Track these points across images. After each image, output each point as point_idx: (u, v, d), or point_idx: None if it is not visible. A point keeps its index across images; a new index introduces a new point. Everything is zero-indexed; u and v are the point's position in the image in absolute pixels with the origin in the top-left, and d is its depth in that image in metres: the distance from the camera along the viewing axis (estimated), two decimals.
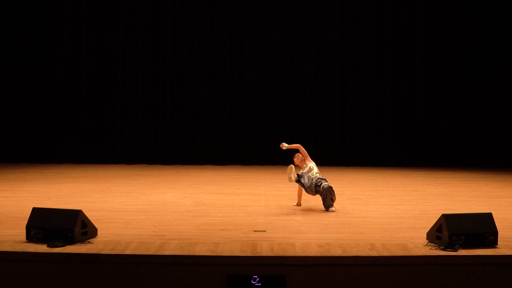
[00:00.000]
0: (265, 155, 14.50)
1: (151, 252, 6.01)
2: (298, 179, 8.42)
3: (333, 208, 8.50)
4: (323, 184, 8.46)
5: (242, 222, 7.70)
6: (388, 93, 14.82)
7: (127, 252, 6.01)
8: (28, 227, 6.39)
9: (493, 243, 6.32)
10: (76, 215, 6.37)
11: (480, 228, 6.35)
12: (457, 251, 6.08)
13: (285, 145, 8.95)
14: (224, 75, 14.81)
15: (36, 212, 6.52)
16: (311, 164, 8.87)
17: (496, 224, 6.45)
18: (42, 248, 6.09)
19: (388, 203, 9.29)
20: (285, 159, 14.67)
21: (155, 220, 7.71)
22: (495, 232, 6.37)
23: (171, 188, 10.84)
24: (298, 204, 8.88)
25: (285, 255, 5.97)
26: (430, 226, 6.51)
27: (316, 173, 8.70)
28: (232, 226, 7.40)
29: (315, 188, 8.51)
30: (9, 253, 5.99)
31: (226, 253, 6.00)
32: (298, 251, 6.08)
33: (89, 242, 6.33)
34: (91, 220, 6.56)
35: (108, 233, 6.77)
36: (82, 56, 14.72)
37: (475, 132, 14.64)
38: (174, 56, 14.77)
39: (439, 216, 6.40)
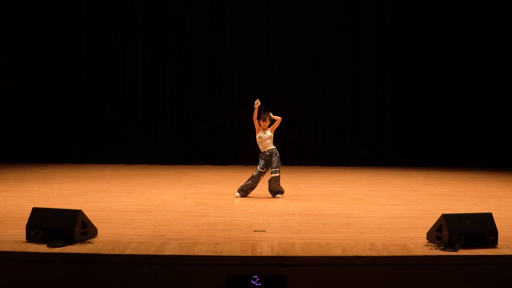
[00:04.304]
0: None
1: (151, 252, 6.01)
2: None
3: (279, 195, 9.57)
4: (272, 174, 9.57)
5: (242, 222, 7.70)
6: (388, 93, 14.82)
7: (127, 252, 6.01)
8: (28, 227, 6.39)
9: (493, 243, 6.31)
10: (76, 215, 6.36)
11: (480, 228, 6.35)
12: (457, 251, 6.08)
13: (258, 103, 9.65)
14: (224, 75, 14.82)
15: (36, 212, 6.52)
16: (269, 137, 9.60)
17: (496, 224, 6.45)
18: (42, 248, 6.08)
19: (388, 203, 9.29)
20: (286, 160, 14.69)
21: (155, 220, 7.71)
22: (495, 232, 6.37)
23: (171, 188, 10.84)
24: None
25: (285, 255, 5.97)
26: (430, 226, 6.51)
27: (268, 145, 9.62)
28: (232, 226, 7.40)
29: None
30: (9, 253, 5.99)
31: (226, 253, 5.99)
32: (298, 251, 6.08)
33: (89, 242, 6.33)
34: (91, 220, 6.56)
35: (108, 233, 6.77)
36: (82, 55, 14.72)
37: (475, 132, 14.64)
38: (174, 56, 14.78)
39: (439, 216, 6.40)
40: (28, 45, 14.67)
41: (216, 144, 14.77)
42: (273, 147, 9.63)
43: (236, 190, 9.73)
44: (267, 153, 9.59)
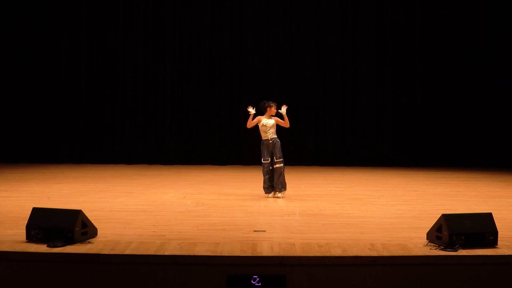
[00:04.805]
0: None
1: (151, 252, 6.00)
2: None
3: (279, 195, 9.42)
4: (276, 165, 9.46)
5: (242, 222, 7.70)
6: (388, 93, 14.82)
7: (127, 252, 6.01)
8: (28, 227, 6.39)
9: (493, 243, 6.32)
10: (76, 215, 6.36)
11: (480, 228, 6.35)
12: (457, 251, 6.08)
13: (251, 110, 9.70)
14: (224, 75, 14.81)
15: (36, 212, 6.52)
16: (273, 125, 9.55)
17: (496, 224, 6.45)
18: (42, 248, 6.08)
19: (388, 203, 9.29)
20: (286, 160, 14.69)
21: (155, 220, 7.71)
22: (495, 232, 6.37)
23: (171, 188, 10.84)
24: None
25: (285, 255, 5.97)
26: (430, 226, 6.51)
27: (271, 134, 9.54)
28: (232, 226, 7.40)
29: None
30: (9, 253, 5.99)
31: (226, 253, 5.99)
32: (298, 251, 6.07)
33: (89, 242, 6.33)
34: (91, 220, 6.56)
35: (108, 233, 6.77)
36: (82, 55, 14.73)
37: (475, 132, 14.64)
38: (174, 56, 14.78)
39: (439, 216, 6.40)
40: (28, 45, 14.68)
41: (216, 144, 14.77)
42: (275, 136, 9.55)
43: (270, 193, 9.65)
44: (270, 141, 9.51)
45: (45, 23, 14.69)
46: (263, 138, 9.55)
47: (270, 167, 9.52)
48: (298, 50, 14.88)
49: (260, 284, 5.80)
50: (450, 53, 14.69)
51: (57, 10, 14.71)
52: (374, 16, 14.80)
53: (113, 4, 14.74)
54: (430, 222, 6.70)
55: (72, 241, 6.20)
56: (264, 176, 9.58)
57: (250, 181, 11.41)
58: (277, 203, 9.13)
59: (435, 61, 14.76)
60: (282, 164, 9.46)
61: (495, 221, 6.48)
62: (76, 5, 14.72)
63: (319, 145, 14.87)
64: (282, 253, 6.01)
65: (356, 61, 14.86)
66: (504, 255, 6.05)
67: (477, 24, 14.66)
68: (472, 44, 14.65)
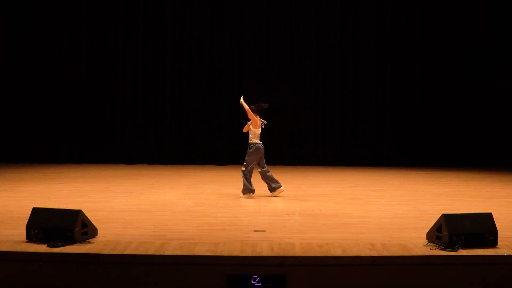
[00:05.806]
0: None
1: (151, 252, 6.00)
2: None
3: (241, 195, 9.54)
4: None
5: (242, 222, 7.70)
6: (388, 93, 14.83)
7: (127, 252, 6.01)
8: (28, 227, 6.39)
9: (493, 243, 6.32)
10: (76, 215, 6.36)
11: (480, 228, 6.35)
12: (457, 251, 6.08)
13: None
14: (224, 75, 14.82)
15: (36, 212, 6.52)
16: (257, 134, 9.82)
17: (496, 224, 6.45)
18: (42, 248, 6.08)
19: (388, 203, 9.29)
20: (286, 159, 14.61)
21: (155, 220, 7.70)
22: (495, 232, 6.37)
23: (171, 188, 10.84)
24: None
25: (285, 255, 5.97)
26: (430, 226, 6.51)
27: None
28: (232, 226, 7.40)
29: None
30: (9, 253, 5.99)
31: (226, 253, 5.99)
32: (298, 251, 6.07)
33: (89, 242, 6.33)
34: (91, 220, 6.56)
35: (108, 233, 6.77)
36: (82, 56, 14.74)
37: (475, 132, 14.65)
38: (174, 56, 14.78)
39: (439, 216, 6.40)
40: (28, 45, 14.69)
41: (216, 144, 14.77)
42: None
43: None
44: (258, 145, 9.83)
45: (45, 23, 14.70)
46: (254, 141, 9.90)
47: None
48: (298, 50, 14.88)
49: (260, 284, 5.80)
50: (450, 53, 14.70)
51: (57, 10, 14.71)
52: (374, 16, 14.81)
53: (113, 4, 14.75)
54: (430, 222, 6.70)
55: (72, 241, 6.20)
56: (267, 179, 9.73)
57: None
58: (277, 203, 9.13)
59: (435, 61, 14.76)
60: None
61: (495, 221, 6.48)
62: (76, 5, 14.73)
63: (319, 145, 14.87)
64: (282, 253, 6.01)
65: (356, 61, 14.87)
66: (504, 255, 6.05)
67: (477, 24, 14.66)
68: (472, 44, 14.66)
